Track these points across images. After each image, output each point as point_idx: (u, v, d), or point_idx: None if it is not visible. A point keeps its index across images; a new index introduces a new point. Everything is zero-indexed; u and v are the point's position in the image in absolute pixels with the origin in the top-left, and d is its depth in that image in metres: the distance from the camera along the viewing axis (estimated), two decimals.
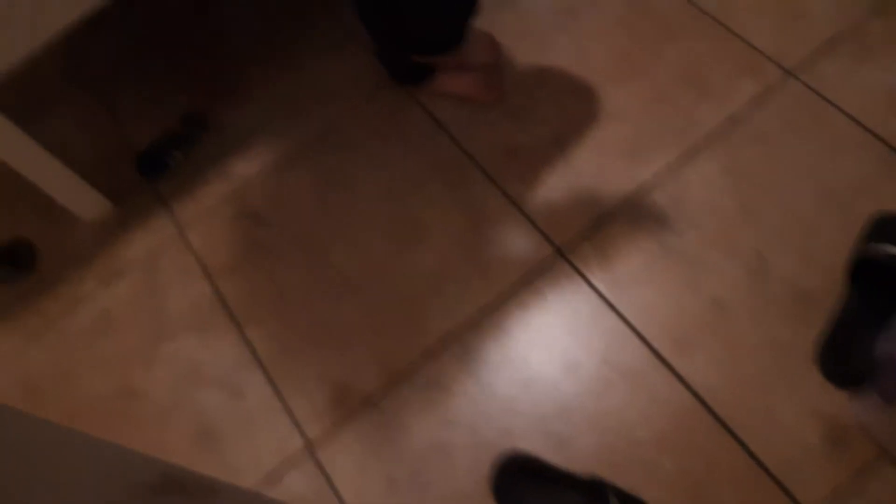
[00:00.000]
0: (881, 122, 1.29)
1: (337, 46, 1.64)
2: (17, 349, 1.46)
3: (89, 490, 0.60)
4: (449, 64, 1.44)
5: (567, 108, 1.44)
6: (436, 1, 1.25)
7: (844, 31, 1.39)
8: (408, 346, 1.28)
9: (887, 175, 1.24)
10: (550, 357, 1.22)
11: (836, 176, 1.26)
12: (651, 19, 1.50)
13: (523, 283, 1.29)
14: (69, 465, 0.60)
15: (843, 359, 1.08)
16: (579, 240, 1.30)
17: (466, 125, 1.47)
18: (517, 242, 1.33)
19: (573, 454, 1.14)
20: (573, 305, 1.25)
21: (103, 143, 1.67)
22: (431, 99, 1.51)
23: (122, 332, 1.43)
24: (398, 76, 1.53)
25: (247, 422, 1.28)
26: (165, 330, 1.40)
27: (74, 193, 1.52)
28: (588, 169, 1.37)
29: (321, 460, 1.22)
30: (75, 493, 0.58)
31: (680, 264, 1.24)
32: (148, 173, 1.58)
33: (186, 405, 1.32)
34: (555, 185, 1.37)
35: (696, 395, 1.14)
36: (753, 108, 1.36)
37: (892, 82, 1.32)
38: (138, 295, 1.46)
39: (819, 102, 1.34)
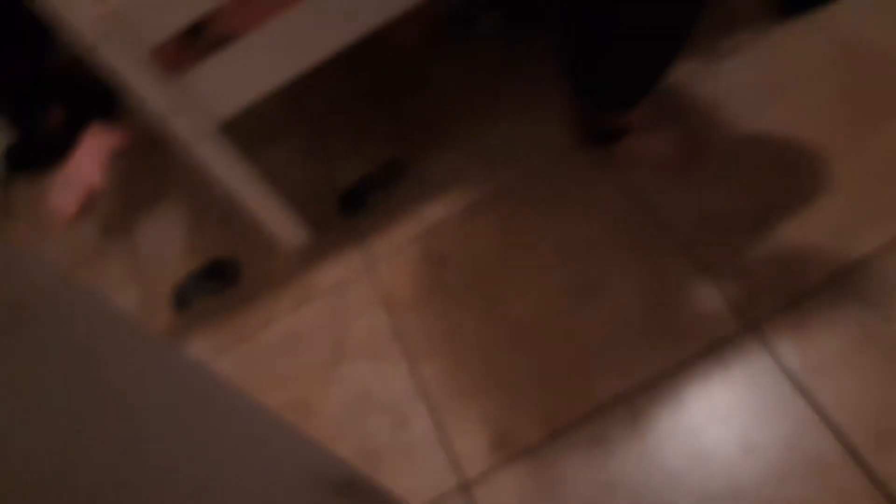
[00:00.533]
0: None
1: (532, 106, 1.69)
2: (209, 354, 1.60)
3: (287, 469, 0.65)
4: (638, 123, 1.43)
5: (771, 180, 1.38)
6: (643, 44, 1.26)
7: None
8: (575, 401, 1.25)
9: None
10: (727, 435, 1.14)
11: None
12: (871, 93, 1.41)
13: (706, 353, 1.23)
14: (272, 449, 0.65)
15: None
16: (773, 315, 1.22)
17: (659, 190, 1.45)
18: (703, 310, 1.27)
19: None
20: (759, 384, 1.17)
21: (312, 180, 1.83)
22: (626, 165, 1.51)
23: (305, 351, 1.53)
24: (592, 136, 1.55)
25: (408, 451, 1.31)
26: (345, 354, 1.48)
27: (282, 222, 1.67)
28: (791, 243, 1.29)
29: (475, 500, 1.21)
30: (273, 473, 0.63)
31: (885, 352, 1.13)
32: (348, 210, 1.71)
33: (354, 426, 1.38)
34: (751, 257, 1.30)
35: (891, 498, 1.01)
36: None
37: None
38: (325, 319, 1.56)
39: None
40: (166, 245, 1.93)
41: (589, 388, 1.26)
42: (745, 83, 1.53)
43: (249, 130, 1.87)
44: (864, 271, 1.22)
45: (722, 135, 1.48)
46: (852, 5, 1.55)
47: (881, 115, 1.38)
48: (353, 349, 1.48)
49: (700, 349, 1.23)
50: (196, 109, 1.38)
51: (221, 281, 1.72)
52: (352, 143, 1.86)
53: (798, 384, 1.15)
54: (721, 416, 1.16)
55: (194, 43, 1.37)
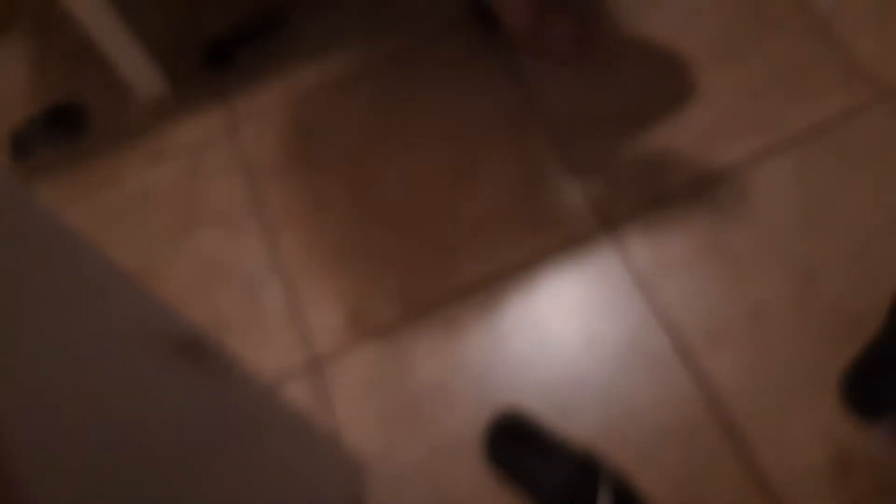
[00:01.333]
0: None
1: None
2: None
3: (117, 320, 0.59)
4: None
5: (651, 81, 1.38)
6: None
7: None
8: (434, 283, 1.25)
9: None
10: (573, 326, 1.18)
11: None
12: (759, 9, 1.42)
13: (563, 248, 1.25)
14: (102, 296, 0.59)
15: (866, 388, 1.02)
16: (630, 216, 1.25)
17: (541, 79, 1.42)
18: (567, 206, 1.29)
19: (573, 426, 1.11)
20: (608, 281, 1.21)
21: (176, 25, 1.66)
22: (509, 45, 1.46)
23: (155, 213, 1.43)
24: (480, 14, 1.48)
25: (258, 324, 1.28)
26: (198, 220, 1.40)
27: (138, 67, 1.51)
28: (658, 146, 1.31)
29: (324, 377, 1.21)
30: (101, 322, 0.57)
31: (728, 262, 1.19)
32: (213, 64, 1.57)
33: (202, 298, 1.32)
34: (619, 155, 1.32)
35: (713, 393, 1.10)
36: (842, 121, 1.28)
37: None
38: (179, 180, 1.45)
39: None
40: (4, 84, 1.72)
41: (449, 272, 1.26)
42: None
43: None
44: (722, 182, 1.26)
45: (607, 32, 1.45)
46: None
47: (766, 30, 1.39)
48: (207, 215, 1.40)
49: (559, 243, 1.25)
50: None
51: (66, 129, 1.56)
52: None
53: (642, 283, 1.20)
54: (569, 308, 1.20)
55: None
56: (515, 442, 1.08)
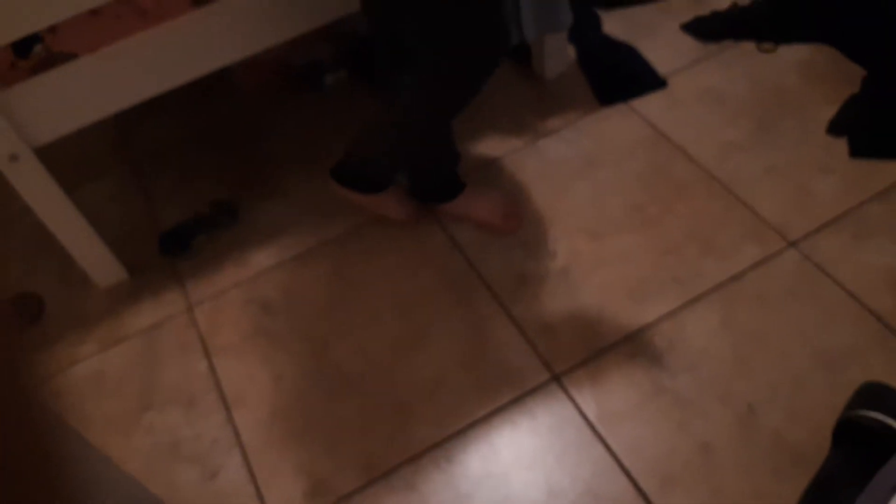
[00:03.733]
0: (876, 299, 1.34)
1: None
2: None
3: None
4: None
5: (578, 246, 1.51)
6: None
7: (847, 212, 1.48)
8: (393, 449, 1.27)
9: (879, 348, 1.28)
10: (534, 479, 1.20)
11: (830, 342, 1.30)
12: (667, 178, 1.60)
13: (516, 403, 1.30)
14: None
15: None
16: (576, 369, 1.32)
17: (480, 249, 1.54)
18: (515, 363, 1.35)
19: None
20: (563, 431, 1.25)
21: (132, 218, 1.74)
22: (452, 220, 1.59)
23: (109, 397, 1.42)
24: (420, 196, 1.62)
25: (218, 502, 1.25)
26: (153, 400, 1.40)
27: (95, 259, 1.57)
28: (592, 304, 1.42)
29: None
30: None
31: (672, 405, 1.26)
32: (168, 251, 1.64)
33: (159, 478, 1.29)
34: (558, 314, 1.41)
35: None
36: (755, 270, 1.42)
37: (889, 263, 1.39)
38: (134, 363, 1.47)
39: (818, 274, 1.40)
40: None
41: (407, 435, 1.28)
42: (562, 160, 1.68)
43: (70, 162, 1.76)
44: (655, 332, 1.36)
45: (536, 204, 1.60)
46: (654, 101, 1.76)
47: (674, 197, 1.56)
48: (163, 395, 1.40)
49: (511, 399, 1.30)
50: (12, 128, 1.29)
51: (20, 318, 1.58)
52: (180, 183, 1.80)
53: (597, 432, 1.24)
54: (528, 461, 1.22)
55: (26, 58, 1.29)
56: None
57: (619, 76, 1.83)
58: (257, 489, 1.26)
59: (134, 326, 1.53)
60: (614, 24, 1.97)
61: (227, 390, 1.39)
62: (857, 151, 1.58)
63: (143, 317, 1.54)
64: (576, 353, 1.35)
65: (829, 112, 1.66)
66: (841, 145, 1.60)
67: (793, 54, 1.81)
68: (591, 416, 1.26)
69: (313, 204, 1.68)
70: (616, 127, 1.73)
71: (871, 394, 1.18)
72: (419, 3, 1.21)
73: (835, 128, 1.63)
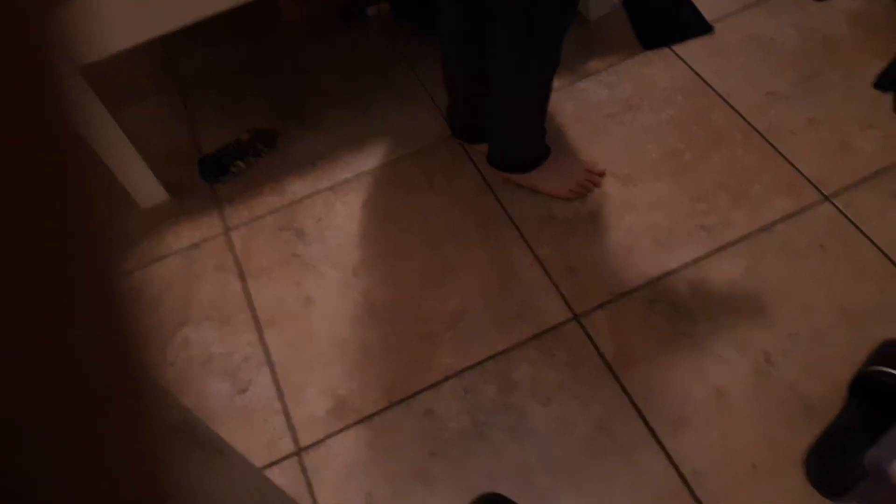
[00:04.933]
0: None
1: (410, 100, 1.76)
2: None
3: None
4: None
5: (609, 190, 1.52)
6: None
7: (887, 168, 1.45)
8: (415, 375, 1.32)
9: None
10: (548, 412, 1.24)
11: (855, 299, 1.30)
12: (705, 126, 1.58)
13: (536, 339, 1.33)
14: None
15: (830, 467, 1.08)
16: (596, 310, 1.35)
17: (512, 189, 1.55)
18: (537, 301, 1.38)
19: None
20: (579, 369, 1.28)
21: (175, 141, 1.79)
22: (482, 160, 1.60)
23: (147, 312, 1.49)
24: (459, 134, 1.63)
25: (245, 416, 1.32)
26: (189, 317, 1.46)
27: (138, 179, 1.63)
28: (618, 248, 1.43)
29: (307, 466, 1.24)
30: None
31: (689, 350, 1.27)
32: (208, 175, 1.69)
33: (192, 390, 1.36)
34: (583, 257, 1.42)
35: (682, 476, 1.15)
36: (786, 222, 1.41)
37: None
38: (172, 281, 1.53)
39: (851, 230, 1.38)
40: None
41: (429, 363, 1.33)
42: (600, 102, 1.67)
43: (116, 83, 1.81)
44: (678, 278, 1.37)
45: (571, 146, 1.60)
46: (699, 47, 1.73)
47: (710, 145, 1.55)
48: (199, 313, 1.47)
49: (531, 335, 1.33)
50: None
51: None
52: (222, 110, 1.84)
53: (612, 371, 1.27)
54: (543, 396, 1.26)
55: None
56: None
57: (664, 20, 1.79)
58: (284, 405, 1.32)
59: (173, 246, 1.59)
60: None
61: (259, 311, 1.45)
62: None
63: (182, 237, 1.60)
64: (597, 295, 1.37)
65: (879, 66, 1.61)
66: (886, 101, 1.56)
67: (846, 3, 1.75)
68: (609, 356, 1.29)
69: (350, 137, 1.70)
70: (657, 72, 1.71)
71: (891, 351, 1.19)
72: None
73: (882, 82, 1.58)
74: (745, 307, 1.31)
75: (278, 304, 1.45)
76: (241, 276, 1.51)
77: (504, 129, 1.46)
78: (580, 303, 1.36)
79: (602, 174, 1.54)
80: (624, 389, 1.25)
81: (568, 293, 1.38)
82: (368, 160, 1.65)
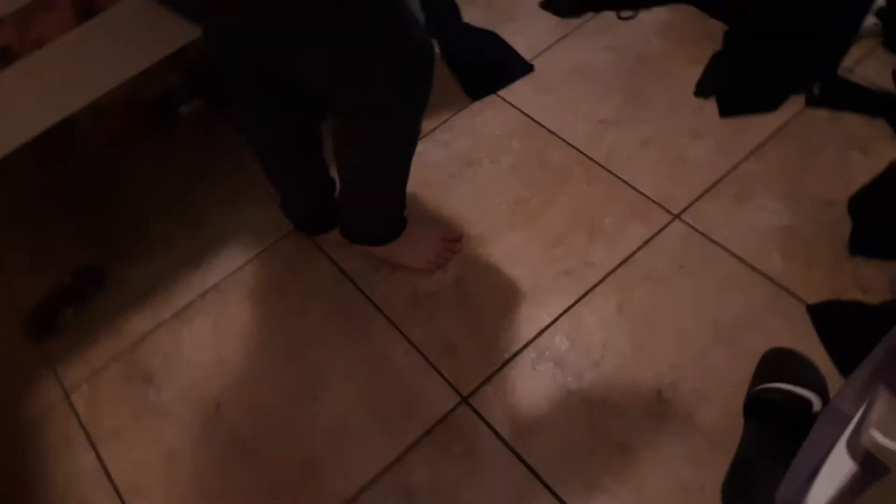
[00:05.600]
0: (765, 259, 1.34)
1: (242, 199, 1.64)
2: None
3: None
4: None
5: (468, 253, 1.46)
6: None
7: (725, 175, 1.47)
8: None
9: (775, 311, 1.28)
10: None
11: (726, 312, 1.29)
12: (545, 167, 1.56)
13: (428, 436, 1.24)
14: None
15: (745, 500, 1.05)
16: (483, 386, 1.27)
17: (370, 273, 1.46)
18: (422, 392, 1.29)
19: None
20: (480, 456, 1.20)
21: None
22: (335, 249, 1.51)
23: None
24: (303, 226, 1.53)
25: None
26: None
27: None
28: (490, 314, 1.37)
29: None
30: None
31: (580, 407, 1.22)
32: (34, 334, 1.50)
33: None
34: (458, 331, 1.35)
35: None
36: (644, 249, 1.40)
37: (772, 221, 1.39)
38: (15, 469, 1.34)
39: (705, 243, 1.39)
40: None
41: (318, 495, 1.21)
42: (439, 163, 1.62)
43: None
44: (554, 333, 1.32)
45: (420, 215, 1.53)
46: (524, 88, 1.72)
47: (554, 186, 1.52)
48: (53, 499, 1.28)
49: (422, 432, 1.24)
50: None
51: None
52: (37, 253, 1.65)
53: (513, 450, 1.20)
54: (448, 497, 1.17)
55: None
56: None
57: (486, 67, 1.78)
58: None
59: (7, 428, 1.39)
60: (474, 13, 1.91)
61: (118, 482, 1.28)
62: (726, 110, 1.58)
63: (18, 414, 1.40)
64: (482, 370, 1.30)
65: (696, 73, 1.65)
66: (711, 106, 1.60)
67: (653, 18, 1.80)
68: (506, 434, 1.22)
69: (184, 255, 1.56)
70: (489, 120, 1.68)
71: (773, 363, 1.18)
72: (320, 26, 0.92)
73: (702, 89, 1.62)
74: (625, 347, 1.28)
75: (138, 468, 1.29)
76: (92, 445, 1.33)
77: (360, 209, 1.38)
78: (466, 383, 1.29)
79: (459, 239, 1.48)
80: (528, 467, 1.18)
81: (451, 375, 1.30)
82: (209, 276, 1.52)
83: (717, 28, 1.74)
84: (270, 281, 1.49)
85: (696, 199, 1.45)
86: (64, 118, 1.29)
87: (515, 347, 1.31)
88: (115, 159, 1.79)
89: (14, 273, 1.63)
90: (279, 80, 1.18)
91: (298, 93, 1.22)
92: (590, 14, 1.84)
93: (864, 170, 1.44)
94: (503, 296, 1.38)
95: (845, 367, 1.17)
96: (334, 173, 1.36)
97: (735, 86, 1.60)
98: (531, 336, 1.32)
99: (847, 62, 1.62)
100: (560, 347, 1.30)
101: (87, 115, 1.80)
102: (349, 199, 1.36)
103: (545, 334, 1.32)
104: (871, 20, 1.65)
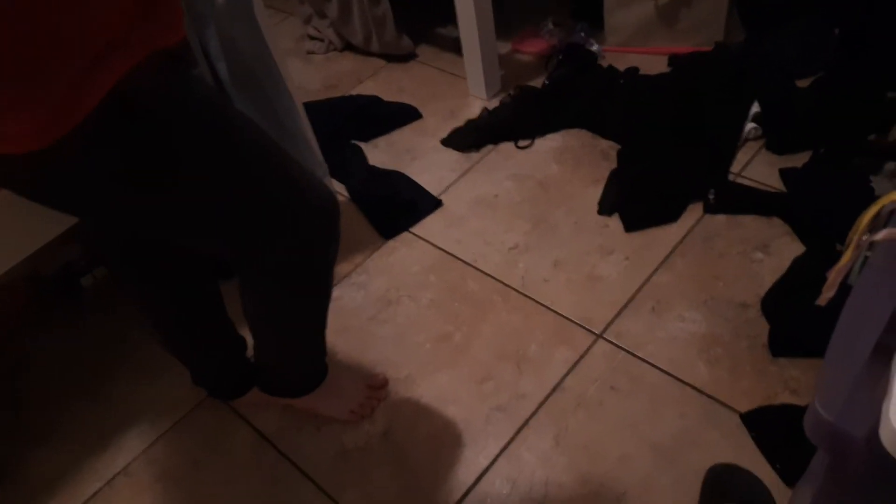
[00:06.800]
0: (691, 371, 1.34)
1: (153, 369, 1.54)
2: None
3: None
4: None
5: (394, 399, 1.40)
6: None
7: (640, 289, 1.49)
8: None
9: (709, 422, 1.26)
10: None
11: (663, 431, 1.26)
12: (465, 300, 1.54)
13: None
14: None
15: None
16: None
17: (292, 433, 1.38)
18: None
19: None
20: None
21: None
22: (254, 411, 1.42)
23: None
24: (217, 393, 1.44)
25: None
26: None
27: None
28: (423, 464, 1.30)
29: None
30: None
31: None
32: None
33: None
34: (391, 488, 1.27)
35: None
36: (572, 374, 1.37)
37: (691, 330, 1.40)
38: None
39: (631, 360, 1.38)
40: None
41: None
42: (358, 307, 1.58)
43: None
44: (493, 477, 1.25)
45: (341, 362, 1.48)
46: (434, 222, 1.73)
47: (476, 318, 1.50)
48: None
49: None
50: None
51: None
52: None
53: None
54: None
55: None
56: None
57: (396, 205, 1.79)
58: None
59: None
60: (378, 155, 1.95)
61: None
62: (630, 225, 1.62)
63: None
64: None
65: (596, 193, 1.70)
66: (615, 223, 1.63)
67: (549, 144, 1.87)
68: None
69: (90, 437, 1.44)
70: (404, 258, 1.67)
71: (717, 483, 1.15)
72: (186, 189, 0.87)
73: (604, 207, 1.66)
74: (567, 482, 1.22)
75: None
76: None
77: (278, 364, 1.31)
78: None
79: (384, 385, 1.42)
80: None
81: None
82: (118, 458, 1.40)
83: (610, 147, 1.81)
84: (186, 457, 1.39)
85: (616, 317, 1.45)
86: None
87: (455, 498, 1.24)
88: (18, 344, 1.68)
89: None
90: (160, 253, 1.14)
91: (184, 261, 1.18)
92: (489, 146, 1.90)
93: (770, 269, 1.48)
94: (436, 442, 1.32)
95: (788, 475, 1.15)
96: (242, 330, 1.30)
97: (635, 201, 1.65)
98: (470, 483, 1.25)
99: (735, 167, 1.70)
100: (501, 492, 1.23)
101: None
102: (265, 355, 1.29)
103: (484, 479, 1.25)
104: (749, 126, 1.76)
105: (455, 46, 2.07)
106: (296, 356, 1.29)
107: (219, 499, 1.31)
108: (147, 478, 1.36)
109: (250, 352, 1.34)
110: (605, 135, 1.85)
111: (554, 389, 1.36)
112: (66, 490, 1.37)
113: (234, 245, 0.97)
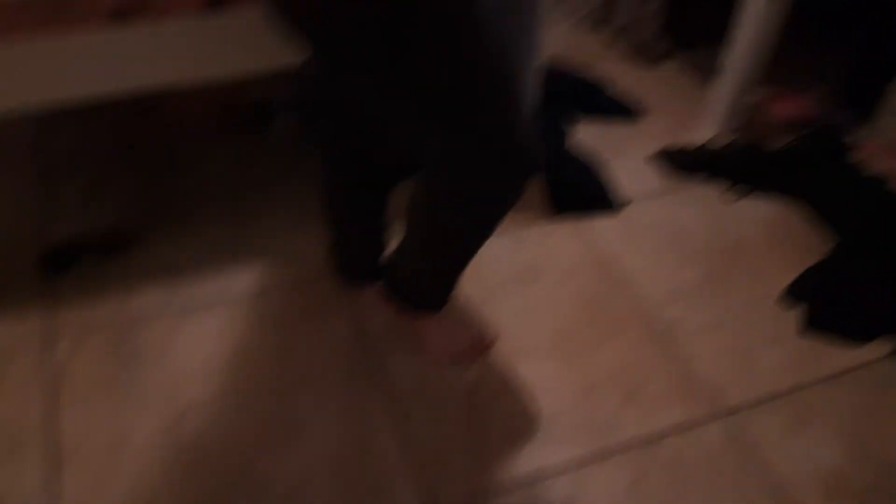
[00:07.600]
0: (805, 498, 1.20)
1: (297, 224, 1.59)
2: None
3: None
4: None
5: (493, 364, 1.36)
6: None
7: (790, 391, 1.35)
8: None
9: None
10: None
11: None
12: (605, 311, 1.47)
13: None
14: None
15: None
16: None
17: (386, 347, 1.37)
18: (392, 486, 1.17)
19: None
20: None
21: (21, 222, 1.55)
22: (362, 307, 1.43)
23: None
24: (344, 271, 1.46)
25: None
26: None
27: None
28: (493, 435, 1.25)
29: None
30: None
31: None
32: (49, 266, 1.45)
33: None
34: (454, 440, 1.24)
35: None
36: (679, 433, 1.28)
37: (826, 461, 1.25)
38: None
39: (747, 452, 1.26)
40: None
41: None
42: (497, 266, 1.54)
43: None
44: (553, 482, 1.19)
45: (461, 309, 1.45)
46: (607, 225, 1.65)
47: (607, 333, 1.43)
48: None
49: None
50: None
51: None
52: (82, 200, 1.62)
53: None
54: None
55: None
56: None
57: (576, 190, 1.72)
58: None
59: None
60: (587, 137, 1.88)
61: (58, 443, 1.18)
62: (809, 327, 1.47)
63: None
64: (463, 492, 1.17)
65: (784, 279, 1.56)
66: (790, 318, 1.49)
67: (757, 208, 1.73)
68: None
69: (217, 255, 1.51)
70: (564, 243, 1.61)
71: None
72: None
73: (790, 296, 1.52)
74: None
75: (84, 437, 1.19)
76: (50, 397, 1.24)
77: (414, 266, 1.27)
78: (442, 496, 1.16)
79: (490, 346, 1.38)
80: None
81: (430, 481, 1.18)
82: (233, 285, 1.45)
83: (823, 242, 1.65)
84: (289, 313, 1.42)
85: (752, 404, 1.33)
86: (167, 86, 1.27)
87: (508, 482, 1.19)
88: (197, 145, 1.78)
89: (55, 210, 1.59)
90: (364, 136, 1.17)
91: (380, 153, 1.21)
92: (694, 180, 1.78)
93: None
94: (515, 421, 1.27)
95: None
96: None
97: (828, 305, 1.49)
98: (529, 474, 1.20)
99: None
100: (553, 499, 1.17)
101: (189, 98, 1.81)
102: (407, 256, 1.27)
103: (544, 480, 1.19)
104: None
105: (712, 65, 1.94)
106: (433, 267, 1.26)
107: (299, 364, 1.33)
108: (250, 315, 1.41)
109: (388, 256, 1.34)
110: (823, 226, 1.68)
111: (651, 438, 1.26)
112: (178, 287, 1.45)
113: (440, 133, 0.97)
